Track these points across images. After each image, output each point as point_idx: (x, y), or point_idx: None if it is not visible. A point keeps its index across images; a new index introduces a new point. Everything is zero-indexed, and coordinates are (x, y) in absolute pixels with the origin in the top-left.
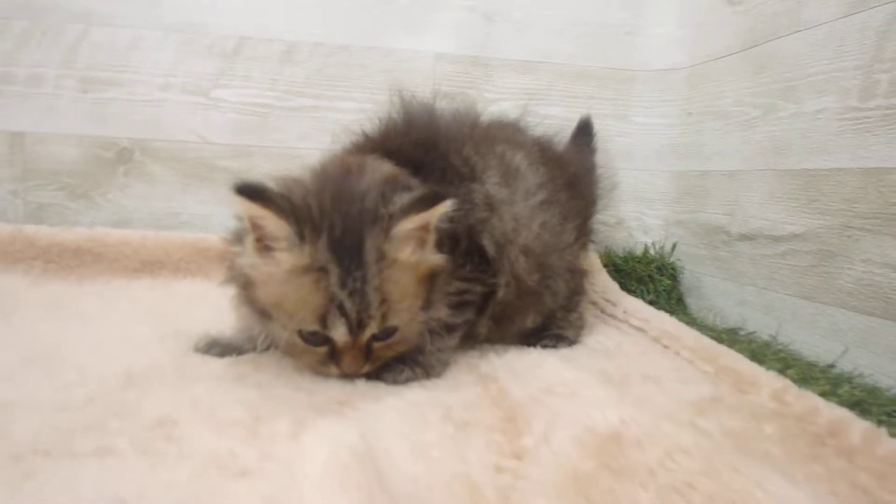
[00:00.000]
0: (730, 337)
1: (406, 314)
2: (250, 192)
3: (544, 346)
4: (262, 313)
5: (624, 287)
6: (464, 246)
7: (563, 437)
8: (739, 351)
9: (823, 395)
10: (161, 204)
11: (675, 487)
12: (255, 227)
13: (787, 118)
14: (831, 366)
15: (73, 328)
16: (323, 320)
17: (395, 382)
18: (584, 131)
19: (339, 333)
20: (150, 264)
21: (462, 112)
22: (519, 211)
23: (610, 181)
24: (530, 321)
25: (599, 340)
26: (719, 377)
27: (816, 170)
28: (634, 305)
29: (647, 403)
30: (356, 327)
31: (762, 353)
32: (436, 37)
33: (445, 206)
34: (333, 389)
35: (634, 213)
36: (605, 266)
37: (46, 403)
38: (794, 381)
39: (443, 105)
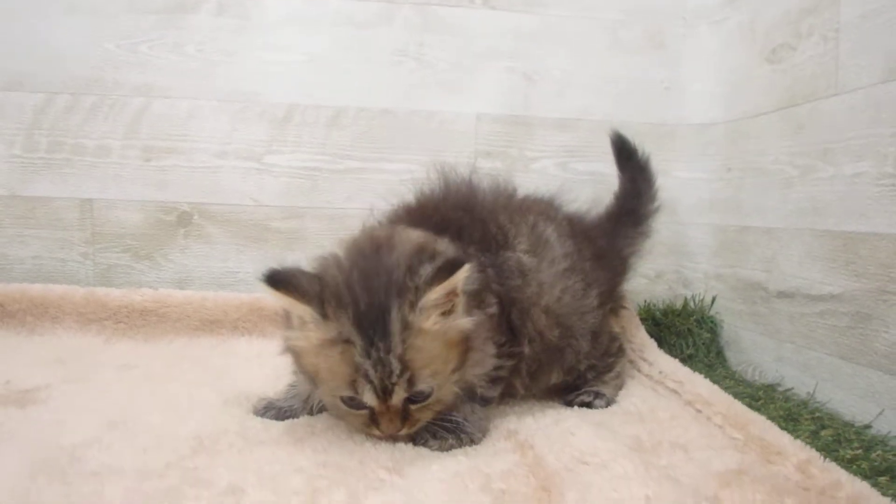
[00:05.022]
0: (767, 394)
1: (436, 379)
2: (273, 280)
3: (581, 403)
4: (311, 380)
5: (664, 341)
6: (496, 312)
7: None
8: (776, 409)
9: (855, 458)
10: (218, 264)
11: None
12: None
13: (826, 180)
14: (867, 426)
15: (144, 391)
16: (353, 387)
17: (441, 450)
18: (623, 153)
19: (369, 399)
20: (210, 323)
21: (499, 184)
22: (543, 277)
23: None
24: (556, 376)
25: (634, 403)
26: (748, 445)
27: (854, 232)
28: (669, 366)
29: (673, 476)
30: (383, 393)
31: (798, 411)
32: (477, 98)
33: (466, 272)
34: (383, 456)
35: (675, 266)
36: (644, 320)
37: (130, 469)
38: (829, 441)
39: (483, 173)
